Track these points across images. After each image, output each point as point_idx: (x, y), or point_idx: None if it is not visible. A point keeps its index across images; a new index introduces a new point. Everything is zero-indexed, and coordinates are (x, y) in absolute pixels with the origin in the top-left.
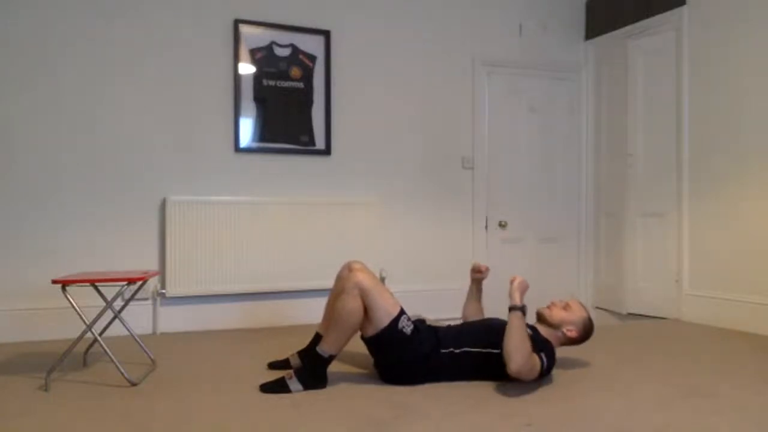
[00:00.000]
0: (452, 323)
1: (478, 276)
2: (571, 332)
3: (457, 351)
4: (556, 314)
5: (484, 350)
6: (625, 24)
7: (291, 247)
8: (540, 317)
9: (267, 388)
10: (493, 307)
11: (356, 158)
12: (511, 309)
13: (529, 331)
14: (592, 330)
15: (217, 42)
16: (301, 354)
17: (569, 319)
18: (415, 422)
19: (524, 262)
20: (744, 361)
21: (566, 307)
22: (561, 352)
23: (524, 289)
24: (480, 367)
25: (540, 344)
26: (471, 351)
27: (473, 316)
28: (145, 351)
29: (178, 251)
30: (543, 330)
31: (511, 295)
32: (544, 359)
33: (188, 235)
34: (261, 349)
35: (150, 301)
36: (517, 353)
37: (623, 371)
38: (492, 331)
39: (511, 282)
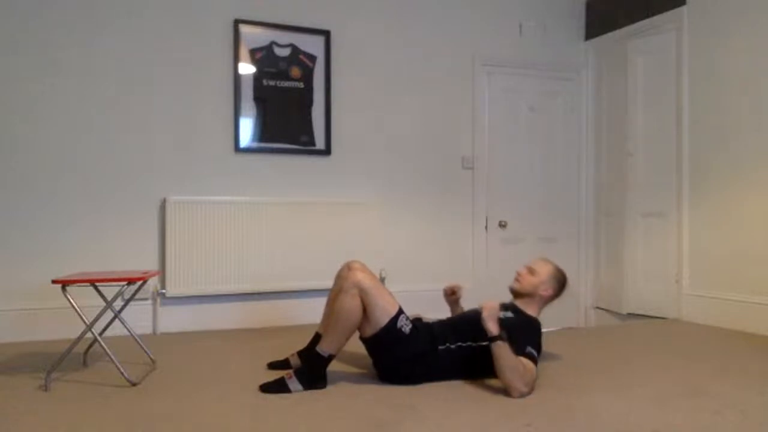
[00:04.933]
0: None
1: (453, 298)
2: (547, 291)
3: (453, 346)
4: (526, 282)
5: (473, 344)
6: (625, 24)
7: (291, 247)
8: (514, 293)
9: (267, 388)
10: None
11: (356, 158)
12: (491, 340)
13: (510, 314)
14: (564, 279)
15: (217, 42)
16: (301, 354)
17: (539, 280)
18: (415, 422)
19: (524, 262)
20: (744, 361)
21: (531, 271)
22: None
23: (496, 314)
24: (477, 362)
25: (524, 328)
26: (463, 345)
27: None
28: (145, 351)
29: (178, 251)
30: (522, 303)
31: (485, 327)
32: (533, 351)
33: (188, 235)
34: (261, 349)
35: (150, 301)
36: (515, 381)
37: (623, 371)
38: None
39: (481, 310)
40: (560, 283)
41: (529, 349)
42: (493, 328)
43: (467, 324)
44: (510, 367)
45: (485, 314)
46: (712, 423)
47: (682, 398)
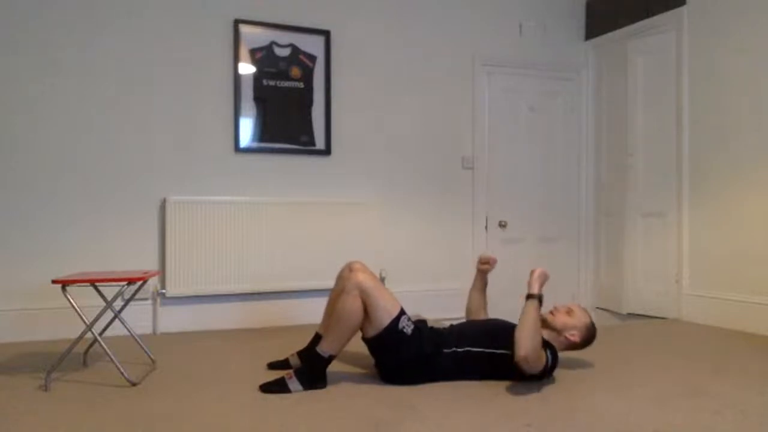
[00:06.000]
0: (454, 323)
1: (486, 267)
2: (574, 337)
3: (460, 350)
4: (559, 319)
5: (486, 350)
6: (625, 24)
7: (291, 247)
8: (543, 322)
9: (267, 388)
10: (495, 308)
11: (356, 158)
12: (529, 297)
13: None
14: (594, 335)
15: (217, 42)
16: (301, 354)
17: (572, 323)
18: (415, 422)
19: (524, 262)
20: (744, 361)
21: (569, 312)
22: (562, 354)
23: (544, 279)
24: (482, 368)
25: (547, 345)
26: (472, 350)
27: (477, 309)
28: (145, 351)
29: (178, 251)
30: (546, 334)
31: (530, 284)
32: (549, 357)
33: (188, 235)
34: (261, 349)
35: (150, 301)
36: (528, 340)
37: (623, 371)
38: (495, 332)
39: (532, 273)
40: (589, 336)
41: (548, 351)
42: (536, 287)
43: (479, 331)
44: (532, 326)
45: (536, 273)
46: (712, 423)
47: (682, 398)
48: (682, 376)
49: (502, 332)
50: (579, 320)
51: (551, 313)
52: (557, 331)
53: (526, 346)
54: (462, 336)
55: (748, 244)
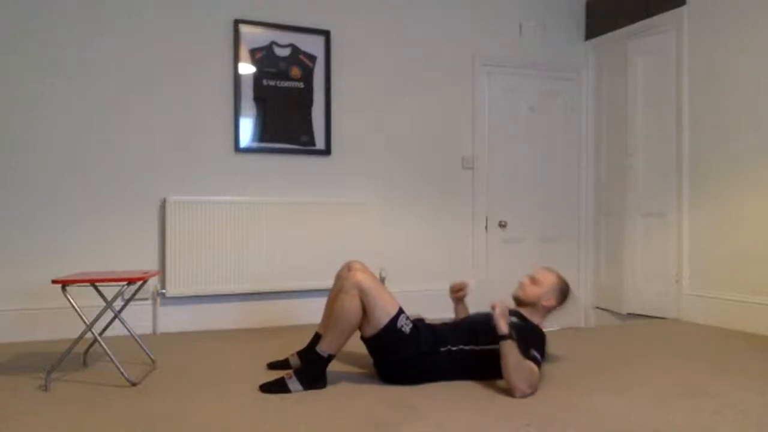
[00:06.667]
0: (448, 321)
1: (460, 294)
2: (550, 302)
3: (454, 349)
4: (530, 292)
5: (476, 348)
6: (625, 24)
7: (291, 247)
8: (517, 301)
9: (266, 388)
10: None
11: (356, 158)
12: (501, 338)
13: (515, 319)
14: (568, 290)
15: (217, 42)
16: (301, 354)
17: (542, 291)
18: (415, 422)
19: (524, 262)
20: (744, 361)
21: (534, 281)
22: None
23: (507, 313)
24: (478, 366)
25: (529, 334)
26: (465, 349)
27: None
28: (145, 351)
29: (178, 251)
30: (525, 311)
31: (496, 324)
32: (537, 355)
33: (188, 235)
34: (261, 349)
35: (150, 301)
36: (519, 381)
37: (623, 371)
38: (488, 328)
39: (493, 308)
40: (563, 293)
41: (534, 352)
42: (503, 325)
43: (471, 327)
44: (515, 366)
45: (497, 311)
46: (712, 423)
47: (682, 398)
48: (682, 376)
49: (483, 328)
50: (547, 285)
51: (521, 290)
52: (533, 304)
53: (521, 387)
54: (455, 334)
55: (748, 244)
